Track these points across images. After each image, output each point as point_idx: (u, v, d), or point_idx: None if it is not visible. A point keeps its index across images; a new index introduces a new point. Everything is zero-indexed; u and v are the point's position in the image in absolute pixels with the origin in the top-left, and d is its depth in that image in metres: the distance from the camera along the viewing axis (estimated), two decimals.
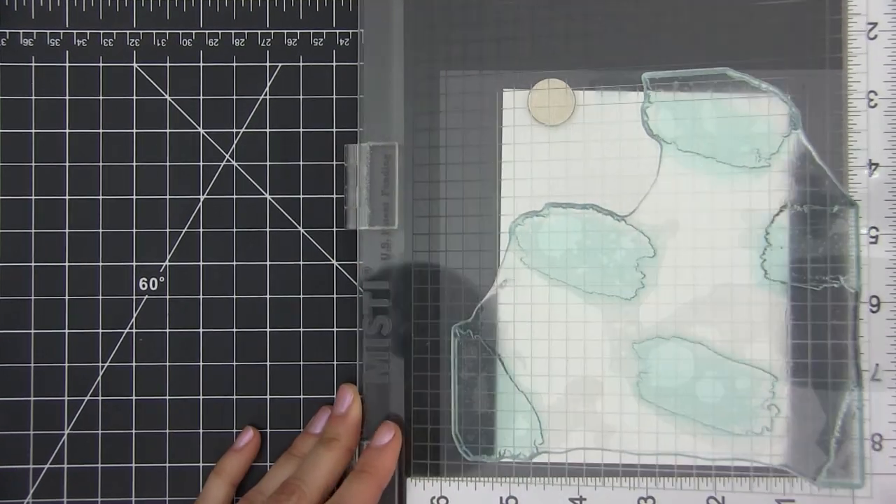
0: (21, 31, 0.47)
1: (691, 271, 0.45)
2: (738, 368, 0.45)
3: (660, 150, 0.45)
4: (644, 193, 0.45)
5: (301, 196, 0.47)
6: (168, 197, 0.47)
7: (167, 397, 0.46)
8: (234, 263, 0.47)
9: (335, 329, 0.47)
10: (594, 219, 0.45)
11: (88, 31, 0.47)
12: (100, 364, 0.46)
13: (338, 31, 0.47)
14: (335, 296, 0.47)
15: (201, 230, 0.47)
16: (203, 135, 0.47)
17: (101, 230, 0.47)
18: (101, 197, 0.47)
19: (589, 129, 0.46)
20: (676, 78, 0.45)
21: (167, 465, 0.46)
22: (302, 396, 0.46)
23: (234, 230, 0.47)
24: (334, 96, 0.47)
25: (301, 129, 0.47)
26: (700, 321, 0.45)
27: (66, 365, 0.46)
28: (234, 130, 0.47)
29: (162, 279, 0.47)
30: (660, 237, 0.45)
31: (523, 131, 0.46)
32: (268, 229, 0.47)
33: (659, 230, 0.45)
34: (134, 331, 0.47)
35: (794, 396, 0.45)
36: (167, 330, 0.47)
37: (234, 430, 0.46)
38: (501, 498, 0.45)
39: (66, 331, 0.47)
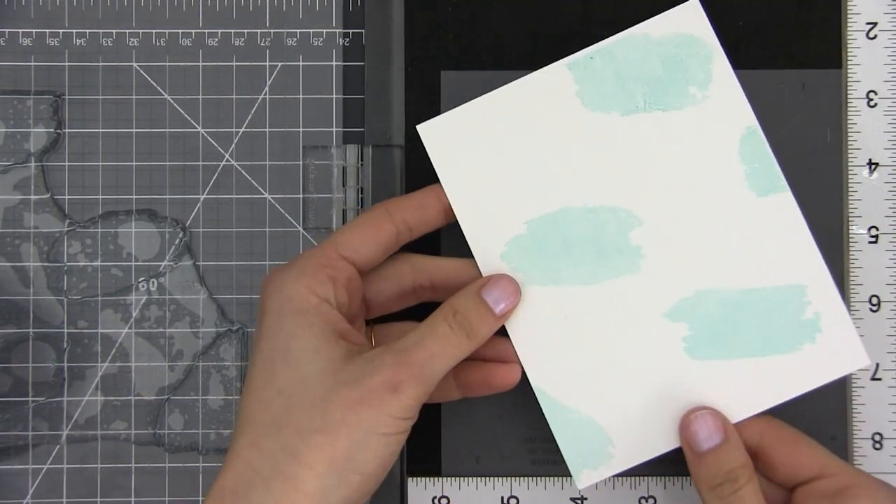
0: (20, 30, 0.47)
1: (685, 220, 0.42)
2: (770, 291, 0.42)
3: (604, 121, 0.42)
4: (605, 169, 0.42)
5: (301, 196, 0.47)
6: (168, 197, 0.47)
7: (167, 397, 0.46)
8: (234, 263, 0.47)
9: None
10: (570, 212, 0.42)
11: (88, 31, 0.47)
12: (99, 364, 0.46)
13: (338, 31, 0.47)
14: None
15: (201, 230, 0.47)
16: (203, 134, 0.47)
17: (99, 230, 0.47)
18: (100, 197, 0.47)
19: (527, 117, 0.43)
20: (593, 55, 0.43)
21: (167, 465, 0.46)
22: None
23: (234, 230, 0.47)
24: (334, 96, 0.47)
25: (301, 129, 0.47)
26: (713, 264, 0.42)
27: (66, 364, 0.46)
28: (234, 130, 0.47)
29: (161, 279, 0.47)
30: (640, 205, 0.42)
31: None
32: (267, 229, 0.47)
33: (636, 198, 0.42)
34: (133, 331, 0.46)
35: (836, 296, 0.42)
36: (166, 330, 0.46)
37: None
38: (503, 497, 0.45)
39: (66, 330, 0.46)
